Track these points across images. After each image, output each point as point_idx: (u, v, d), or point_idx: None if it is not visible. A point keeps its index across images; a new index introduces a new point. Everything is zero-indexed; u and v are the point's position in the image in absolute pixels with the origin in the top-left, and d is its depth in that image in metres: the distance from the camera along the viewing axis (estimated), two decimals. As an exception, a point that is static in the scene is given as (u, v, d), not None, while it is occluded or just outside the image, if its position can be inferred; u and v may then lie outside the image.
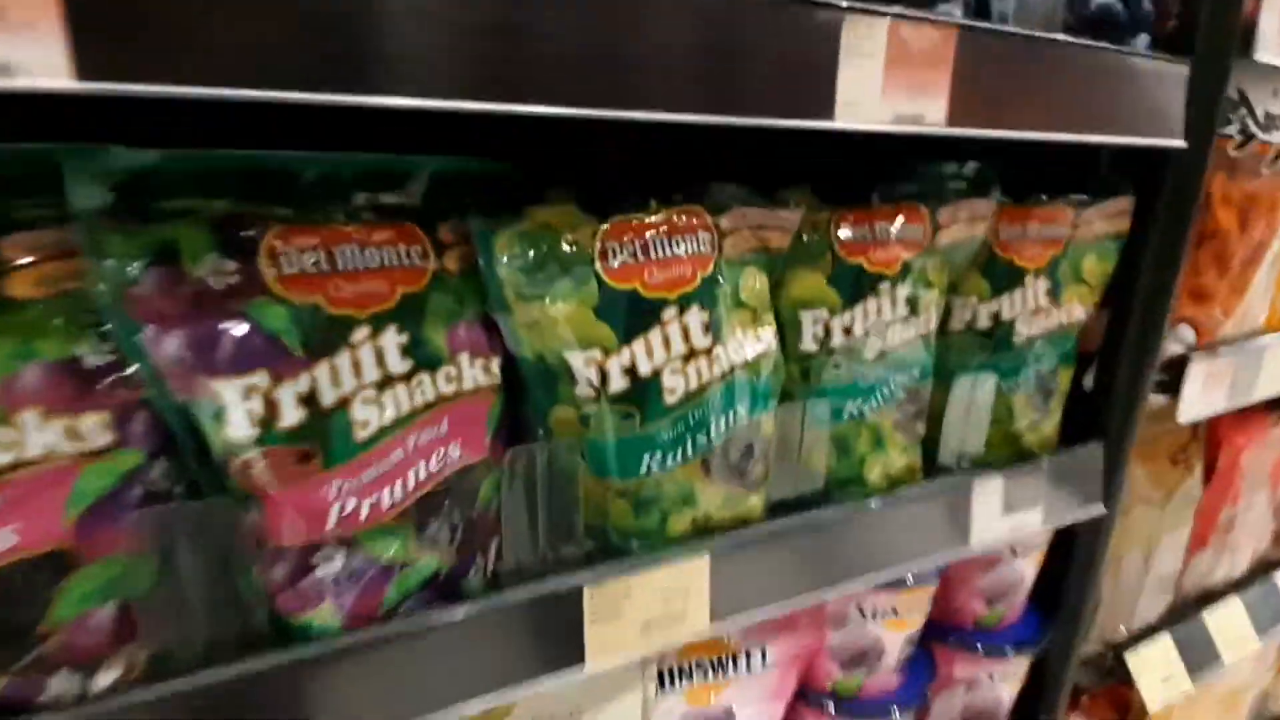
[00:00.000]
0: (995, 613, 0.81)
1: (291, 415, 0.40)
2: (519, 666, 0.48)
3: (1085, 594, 0.86)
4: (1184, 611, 1.05)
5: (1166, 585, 1.01)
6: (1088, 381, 0.84)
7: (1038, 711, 0.92)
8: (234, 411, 0.39)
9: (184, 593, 0.40)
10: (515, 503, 0.48)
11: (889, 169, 0.65)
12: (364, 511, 0.43)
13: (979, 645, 0.80)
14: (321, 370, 0.41)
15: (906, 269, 0.61)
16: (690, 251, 0.50)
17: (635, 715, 0.61)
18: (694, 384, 0.51)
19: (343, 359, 0.42)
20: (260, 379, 0.39)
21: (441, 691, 0.45)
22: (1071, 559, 0.87)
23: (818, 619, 0.68)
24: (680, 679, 0.63)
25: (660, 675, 0.63)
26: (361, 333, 0.42)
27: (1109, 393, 0.81)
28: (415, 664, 0.44)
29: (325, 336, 0.41)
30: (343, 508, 0.42)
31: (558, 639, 0.49)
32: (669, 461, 0.51)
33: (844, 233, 0.58)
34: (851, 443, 0.62)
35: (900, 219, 0.60)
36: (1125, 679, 1.06)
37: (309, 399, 0.41)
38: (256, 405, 0.39)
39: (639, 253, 0.49)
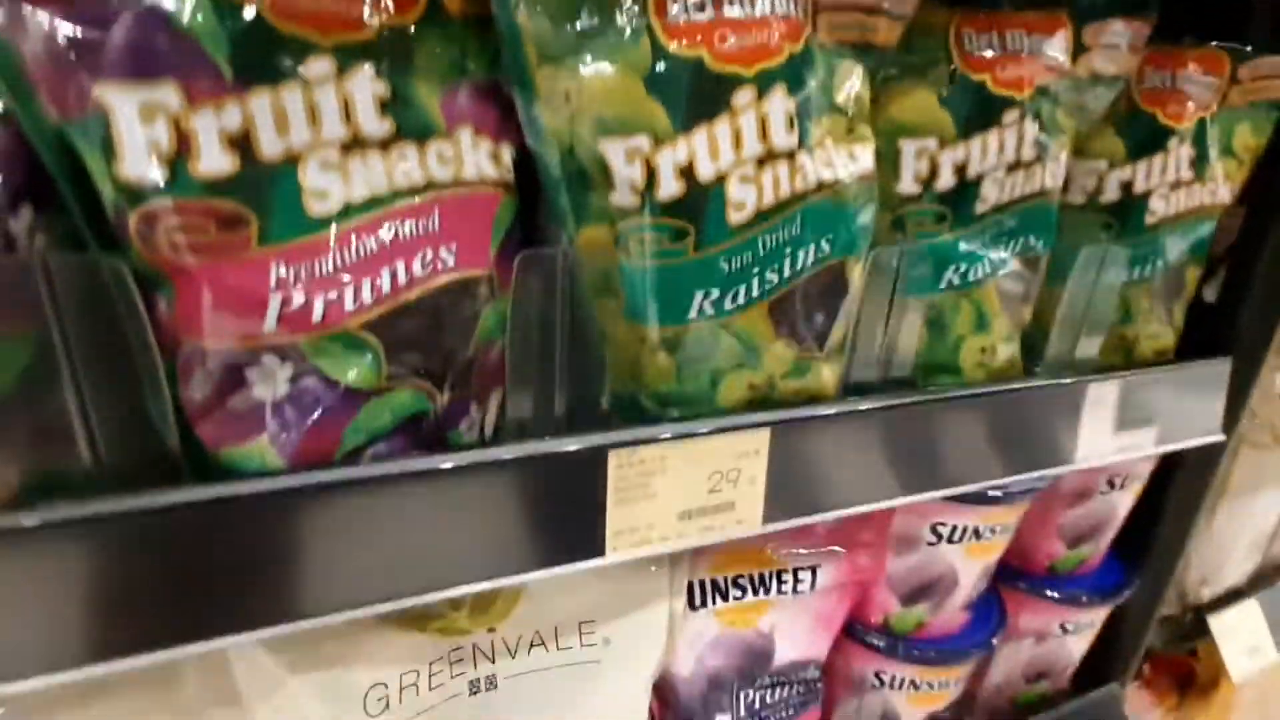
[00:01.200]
0: (1076, 555, 0.70)
1: (214, 158, 0.28)
2: (518, 548, 0.36)
3: (1181, 540, 0.74)
4: (1272, 578, 0.93)
5: (1259, 544, 0.89)
6: (1209, 293, 0.71)
7: (1108, 672, 0.81)
8: (129, 137, 0.27)
9: (60, 394, 0.29)
10: (524, 327, 0.37)
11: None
12: (317, 310, 0.31)
13: (1055, 591, 0.69)
14: (259, 105, 0.29)
15: (1040, 97, 0.47)
16: (779, 10, 0.37)
17: (659, 633, 0.50)
18: (769, 199, 0.38)
19: (292, 98, 0.30)
20: (168, 95, 0.28)
21: (415, 568, 0.34)
22: (1166, 498, 0.76)
23: (880, 536, 0.56)
24: (714, 596, 0.52)
25: (691, 590, 0.52)
26: (319, 66, 0.30)
27: (1239, 305, 0.68)
28: (381, 528, 0.33)
29: (264, 61, 0.29)
30: (286, 301, 0.30)
31: (571, 518, 0.38)
32: (728, 303, 0.39)
33: (968, 38, 0.45)
34: (948, 319, 0.50)
35: (1038, 29, 0.46)
36: (1195, 647, 0.95)
37: (241, 142, 0.29)
38: (162, 133, 0.28)
39: (709, 3, 0.36)
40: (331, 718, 0.39)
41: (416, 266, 0.34)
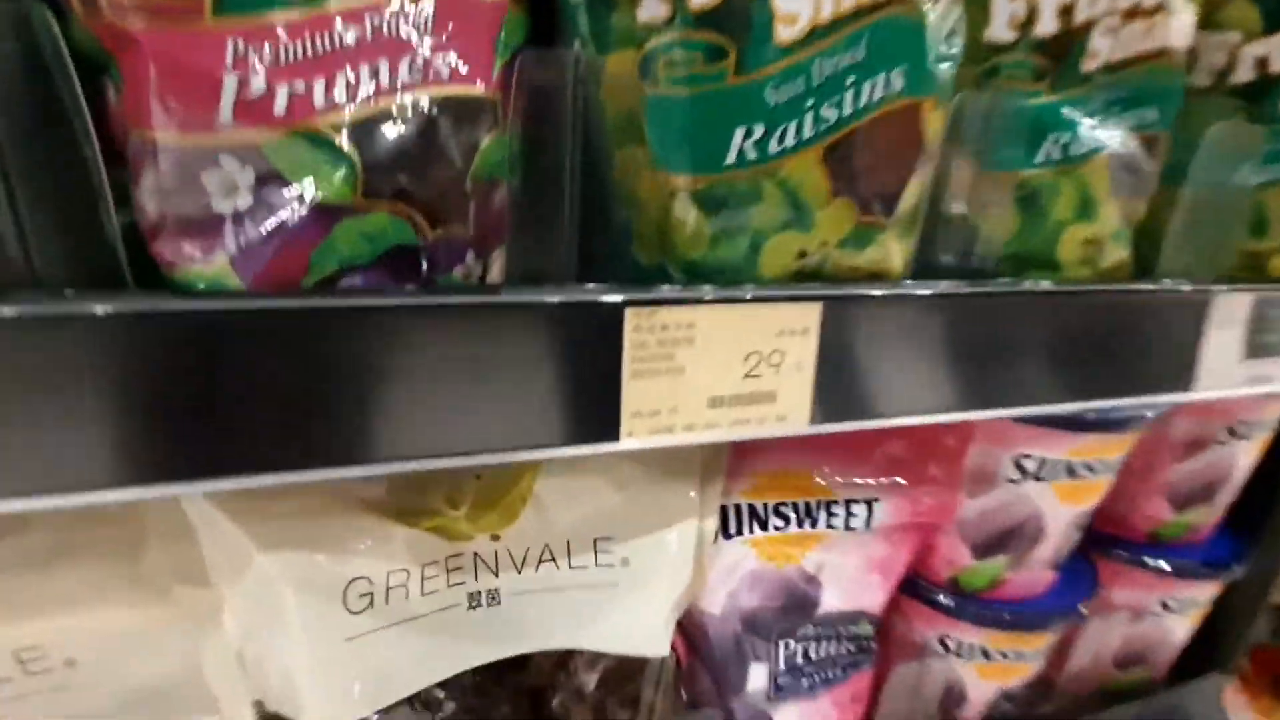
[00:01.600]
0: (1183, 519, 0.60)
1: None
2: (512, 420, 0.31)
3: (1314, 511, 0.63)
4: None
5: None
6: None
7: (1209, 659, 0.70)
8: None
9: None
10: (530, 148, 0.31)
11: None
12: (279, 101, 0.26)
13: (1158, 560, 0.59)
14: None
15: (1169, -77, 0.39)
16: None
17: (686, 558, 0.44)
18: (828, 11, 0.32)
19: None
20: None
21: (380, 430, 0.29)
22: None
23: (953, 470, 0.48)
24: (751, 523, 0.46)
25: (725, 514, 0.46)
26: None
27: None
28: (342, 371, 0.28)
29: None
30: (245, 85, 0.26)
31: (579, 389, 0.32)
32: (774, 144, 0.33)
33: None
34: (1045, 200, 0.42)
35: None
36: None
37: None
38: None
39: None
40: (307, 607, 0.35)
41: (404, 70, 0.29)
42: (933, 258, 0.40)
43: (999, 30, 0.39)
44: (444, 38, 0.30)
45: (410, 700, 0.40)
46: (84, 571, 0.33)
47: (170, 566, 0.34)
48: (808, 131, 0.33)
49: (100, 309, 0.24)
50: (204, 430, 0.27)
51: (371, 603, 0.37)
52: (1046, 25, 0.39)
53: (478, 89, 0.31)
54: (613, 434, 0.33)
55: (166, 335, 0.26)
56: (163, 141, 0.26)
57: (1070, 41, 0.39)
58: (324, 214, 0.28)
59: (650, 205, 0.35)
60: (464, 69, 0.30)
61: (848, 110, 0.33)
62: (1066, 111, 0.41)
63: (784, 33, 0.31)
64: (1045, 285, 0.40)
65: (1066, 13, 0.39)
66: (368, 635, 0.37)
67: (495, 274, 0.34)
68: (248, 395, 0.27)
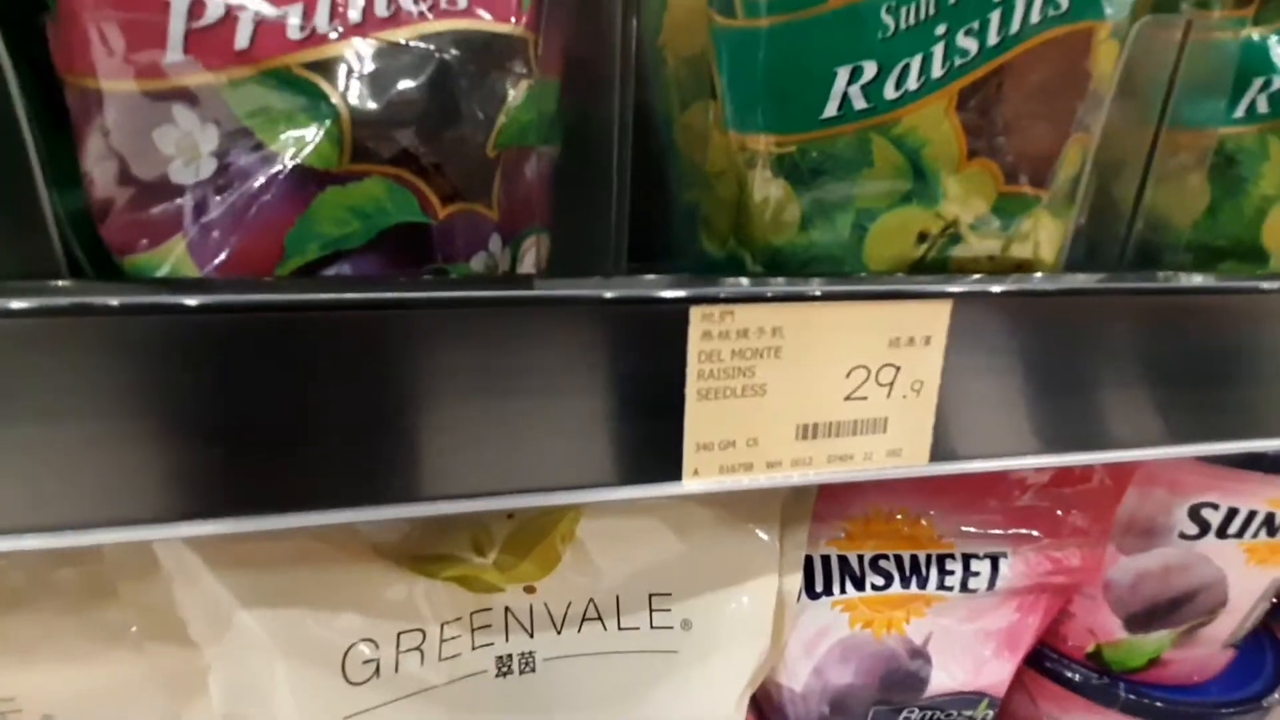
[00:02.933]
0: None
1: None
2: (543, 453, 0.24)
3: None
4: None
5: None
6: None
7: None
8: None
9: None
10: (573, 109, 0.25)
11: None
12: (244, 31, 0.21)
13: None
14: None
15: None
16: None
17: (762, 624, 0.36)
18: (968, -95, 0.24)
19: None
20: None
21: (381, 465, 0.23)
22: None
23: (1104, 518, 0.39)
24: (844, 580, 0.38)
25: (810, 568, 0.38)
26: None
27: None
28: (326, 387, 0.22)
29: None
30: (197, 9, 0.20)
31: (630, 412, 0.25)
32: (890, 89, 0.25)
33: None
34: (1245, 167, 0.32)
35: None
36: None
37: None
38: None
39: None
40: (299, 676, 0.29)
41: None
42: (1092, 244, 0.32)
43: (1186, -57, 0.30)
44: (461, -41, 0.24)
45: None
46: (46, 618, 0.29)
47: (141, 617, 0.29)
48: (937, 70, 0.25)
49: (16, 304, 0.19)
50: (159, 466, 0.21)
51: (378, 671, 0.31)
52: (1253, -66, 0.30)
53: (504, 24, 0.25)
54: (673, 472, 0.26)
55: (102, 337, 0.20)
56: (108, 90, 0.21)
57: (1286, -45, 0.30)
58: (300, 182, 0.22)
59: (722, 179, 0.28)
60: (485, 3, 0.24)
61: (992, 39, 0.25)
62: (1274, 49, 0.31)
63: (907, -65, 0.24)
64: (1251, 282, 0.30)
65: (1282, -83, 0.30)
66: (373, 712, 0.31)
67: (527, 265, 0.28)
68: (203, 421, 0.21)
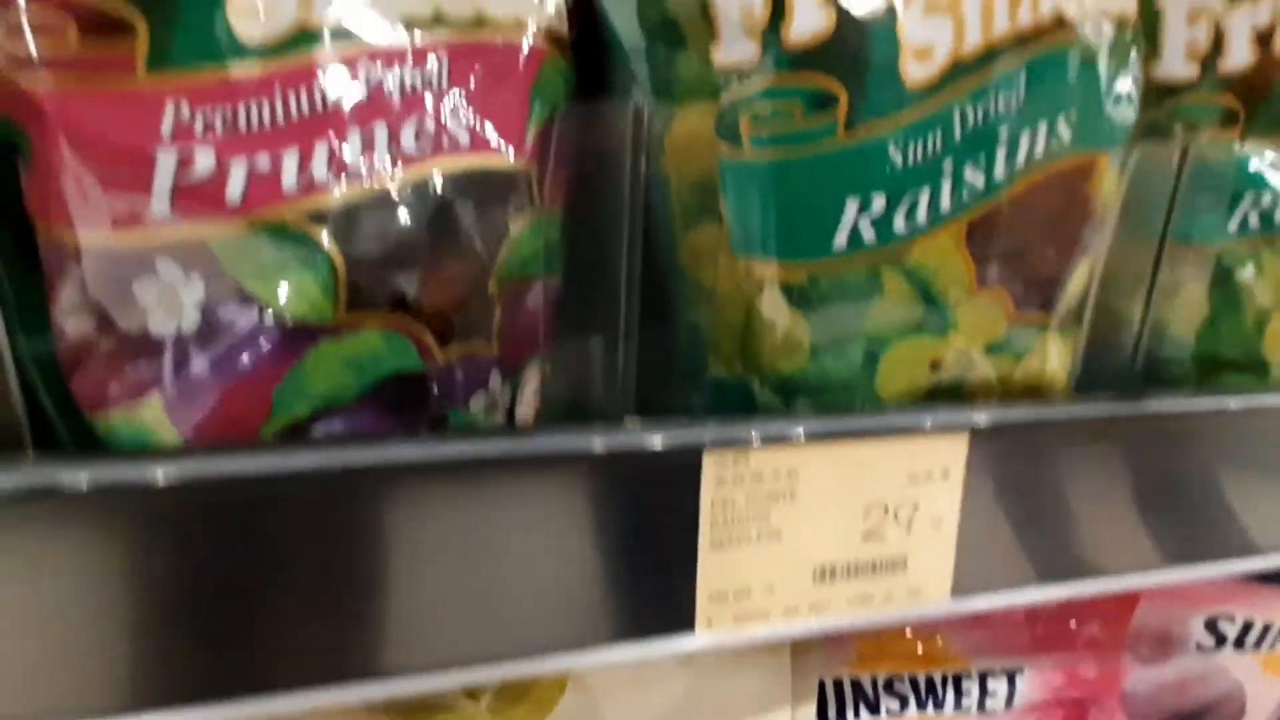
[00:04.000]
0: None
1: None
2: (547, 613, 0.23)
3: None
4: None
5: None
6: None
7: None
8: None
9: None
10: (579, 232, 0.24)
11: None
12: (236, 183, 0.20)
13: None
14: None
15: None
16: None
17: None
18: (974, 40, 0.25)
19: None
20: None
21: (375, 636, 0.21)
22: None
23: (1118, 631, 0.38)
24: (857, 706, 0.36)
25: (823, 694, 0.36)
26: None
27: None
28: (319, 559, 0.20)
29: None
30: (186, 163, 0.20)
31: (639, 564, 0.24)
32: (900, 221, 0.25)
33: None
34: (1242, 282, 0.33)
35: None
36: None
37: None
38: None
39: None
40: None
41: (408, 137, 0.22)
42: (1103, 359, 0.32)
43: (1174, 65, 0.31)
44: (463, 94, 0.23)
45: None
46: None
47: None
48: (945, 203, 0.25)
49: None
50: (113, 651, 0.19)
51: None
52: (1237, 57, 0.31)
53: (506, 159, 0.24)
54: (685, 623, 0.25)
55: (50, 517, 0.19)
56: (81, 243, 0.20)
57: (1269, 74, 0.32)
58: (292, 336, 0.21)
59: (730, 304, 0.28)
60: (488, 133, 0.24)
61: (1000, 174, 0.26)
62: (1266, 165, 0.32)
63: (915, 71, 0.24)
64: (1258, 399, 0.31)
65: (1264, 39, 0.31)
66: None
67: (528, 396, 0.27)
68: (161, 603, 0.19)
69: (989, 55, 0.25)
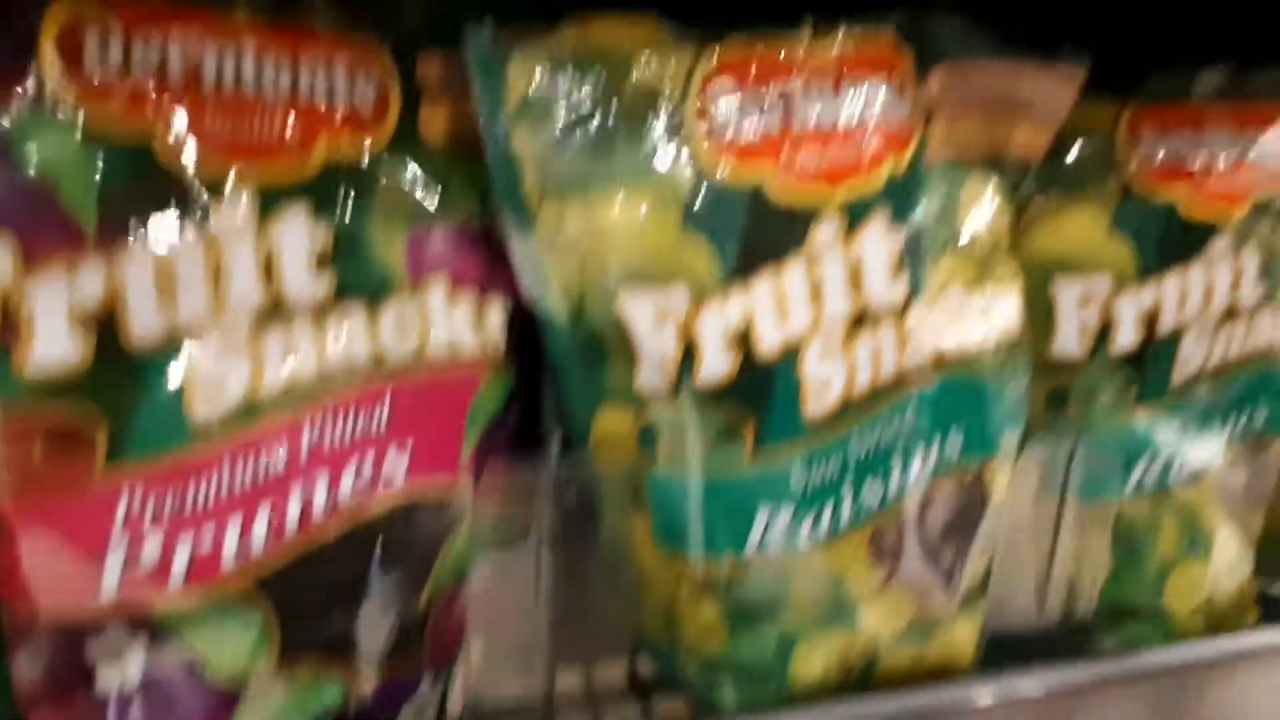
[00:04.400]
0: None
1: (58, 341, 0.21)
2: None
3: None
4: None
5: None
6: None
7: None
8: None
9: None
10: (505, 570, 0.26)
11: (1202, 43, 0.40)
12: (178, 566, 0.22)
13: None
14: (132, 269, 0.22)
15: (1257, 217, 0.35)
16: (875, 113, 0.28)
17: None
18: (865, 379, 0.27)
19: (185, 253, 0.22)
20: (-5, 263, 0.21)
21: None
22: None
23: None
24: None
25: None
26: (233, 215, 0.23)
27: None
28: None
29: (135, 205, 0.22)
30: (134, 553, 0.21)
31: None
32: (806, 531, 0.28)
33: (1147, 141, 0.34)
34: (1142, 539, 0.36)
35: (1251, 122, 0.35)
36: None
37: (100, 322, 0.21)
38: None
39: (771, 108, 0.27)
40: None
41: (345, 484, 0.24)
42: (1006, 619, 0.34)
43: (1067, 345, 0.34)
44: (401, 428, 0.26)
45: None
46: None
47: None
48: (848, 516, 0.28)
49: None
50: None
51: None
52: (1126, 338, 0.34)
53: (441, 481, 0.27)
54: None
55: None
56: (44, 619, 0.22)
57: (1156, 352, 0.35)
58: (226, 692, 0.23)
59: (659, 586, 0.30)
60: (425, 461, 0.26)
61: (895, 488, 0.28)
62: (1157, 431, 0.35)
63: (814, 406, 0.27)
64: (1175, 652, 0.32)
65: (1150, 322, 0.34)
66: None
67: (457, 690, 0.28)
68: None
69: (881, 391, 0.27)
